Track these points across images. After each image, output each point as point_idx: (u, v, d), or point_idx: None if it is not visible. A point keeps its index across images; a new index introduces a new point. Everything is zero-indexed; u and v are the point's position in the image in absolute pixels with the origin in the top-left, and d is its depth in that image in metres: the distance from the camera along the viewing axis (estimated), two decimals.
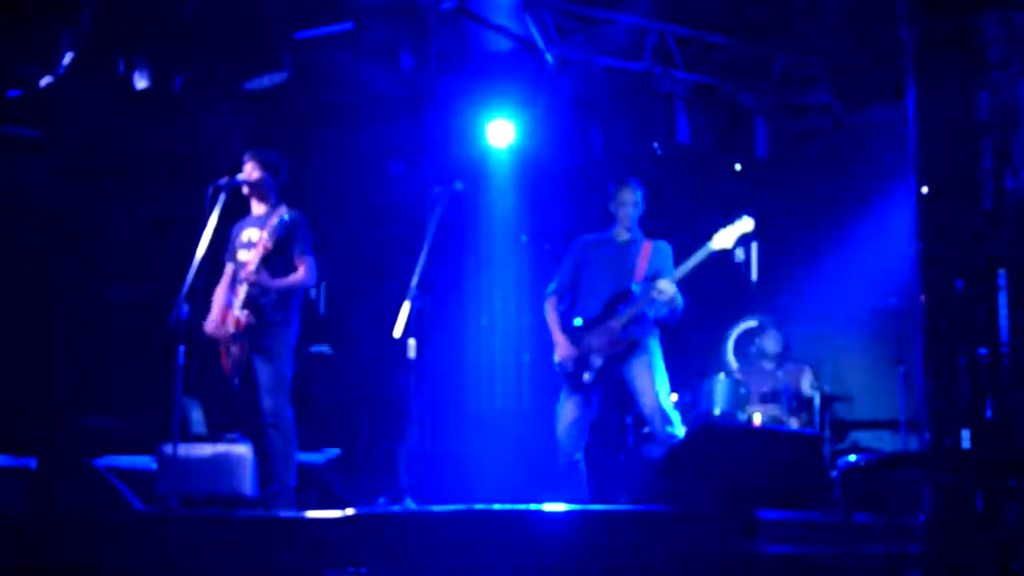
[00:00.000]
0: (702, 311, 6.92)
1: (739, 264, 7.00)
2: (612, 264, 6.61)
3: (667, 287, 6.37)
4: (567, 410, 6.51)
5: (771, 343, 8.32)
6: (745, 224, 6.47)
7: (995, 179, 4.03)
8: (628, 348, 6.44)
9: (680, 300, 6.45)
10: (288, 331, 6.24)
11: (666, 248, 6.66)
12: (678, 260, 6.53)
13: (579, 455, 6.48)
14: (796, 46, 7.94)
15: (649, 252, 6.59)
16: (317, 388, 8.66)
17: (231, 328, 6.15)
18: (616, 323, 6.45)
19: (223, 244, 6.46)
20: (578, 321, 6.59)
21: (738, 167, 8.78)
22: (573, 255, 6.79)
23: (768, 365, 8.18)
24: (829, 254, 8.67)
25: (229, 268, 6.40)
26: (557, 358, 6.61)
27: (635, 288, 6.50)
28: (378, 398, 9.23)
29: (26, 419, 8.44)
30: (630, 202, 6.64)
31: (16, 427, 8.05)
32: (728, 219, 6.51)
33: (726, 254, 6.49)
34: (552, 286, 6.79)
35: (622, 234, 6.68)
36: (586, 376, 6.46)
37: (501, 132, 9.00)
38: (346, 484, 7.96)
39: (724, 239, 6.46)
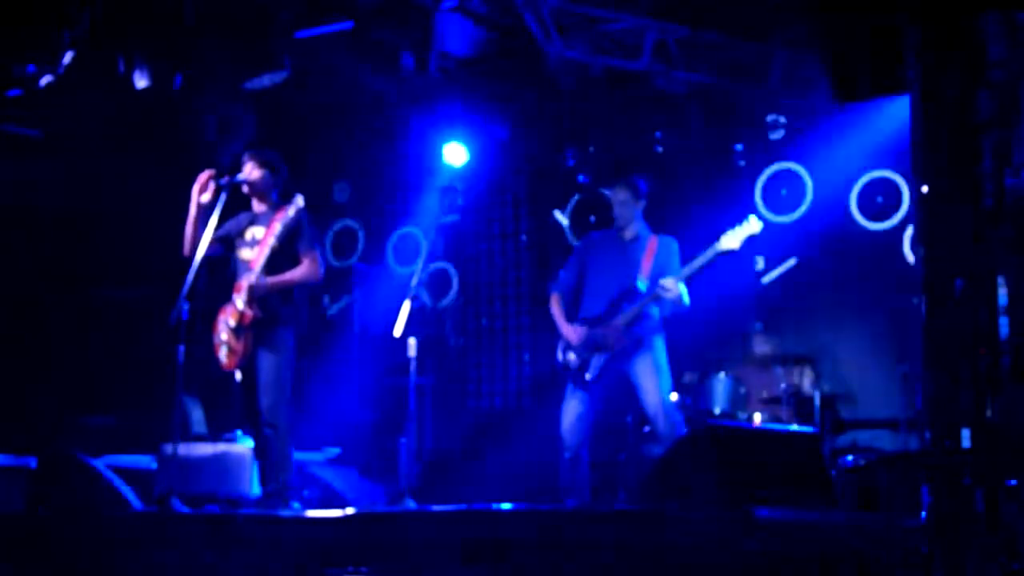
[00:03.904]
0: (704, 312, 6.90)
1: (742, 265, 7.03)
2: (617, 261, 6.60)
3: (672, 285, 6.35)
4: (571, 407, 6.51)
5: (761, 347, 8.32)
6: (752, 225, 6.45)
7: (995, 179, 4.03)
8: (633, 346, 6.43)
9: (686, 299, 6.42)
10: (293, 328, 6.22)
11: (672, 244, 6.64)
12: (684, 260, 6.53)
13: (583, 451, 6.49)
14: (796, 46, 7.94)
15: (655, 249, 6.57)
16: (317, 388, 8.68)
17: (233, 323, 6.14)
18: (621, 320, 6.44)
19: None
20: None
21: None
22: (578, 252, 6.79)
23: (767, 365, 8.18)
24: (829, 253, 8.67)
25: (215, 246, 6.31)
26: (564, 351, 6.59)
27: (640, 286, 6.49)
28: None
29: (26, 419, 8.45)
30: (627, 201, 6.63)
31: (16, 427, 8.06)
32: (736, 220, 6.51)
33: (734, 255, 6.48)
34: (557, 283, 6.79)
35: (627, 232, 6.67)
36: (589, 373, 6.46)
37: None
38: (346, 484, 7.96)
39: (731, 240, 6.44)
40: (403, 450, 7.93)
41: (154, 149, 8.86)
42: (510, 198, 10.00)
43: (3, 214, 9.06)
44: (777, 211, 8.65)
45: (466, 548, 4.69)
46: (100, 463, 6.54)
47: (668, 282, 6.36)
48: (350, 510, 5.33)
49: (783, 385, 7.87)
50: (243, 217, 6.40)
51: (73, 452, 6.53)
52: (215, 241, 6.27)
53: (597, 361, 6.46)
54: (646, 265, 6.53)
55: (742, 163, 8.84)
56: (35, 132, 8.80)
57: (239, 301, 6.12)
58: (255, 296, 6.09)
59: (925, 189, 4.08)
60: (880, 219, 8.40)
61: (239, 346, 6.11)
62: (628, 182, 6.68)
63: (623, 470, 7.82)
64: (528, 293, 9.77)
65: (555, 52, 7.91)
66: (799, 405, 7.91)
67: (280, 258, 6.16)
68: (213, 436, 7.66)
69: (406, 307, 6.31)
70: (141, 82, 7.25)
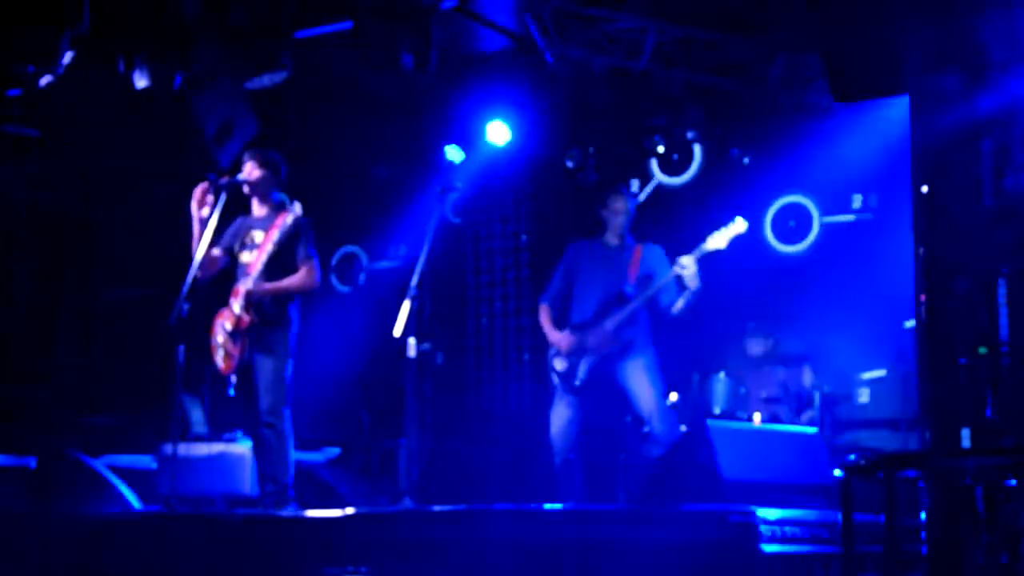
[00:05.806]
0: (703, 311, 6.90)
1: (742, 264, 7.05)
2: (604, 269, 6.64)
3: (689, 263, 6.34)
4: (560, 412, 6.55)
5: (755, 347, 8.32)
6: (738, 226, 6.49)
7: (995, 179, 4.04)
8: (621, 349, 6.45)
9: (699, 282, 6.39)
10: (289, 331, 6.23)
11: (657, 250, 6.69)
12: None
13: (573, 455, 6.50)
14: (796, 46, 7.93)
15: (640, 256, 6.62)
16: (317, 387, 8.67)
17: (229, 327, 6.14)
18: (610, 324, 6.46)
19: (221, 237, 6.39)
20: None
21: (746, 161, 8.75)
22: (565, 262, 6.83)
23: (767, 365, 8.17)
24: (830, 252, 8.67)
25: (217, 251, 6.30)
26: (553, 356, 6.62)
27: (628, 289, 6.52)
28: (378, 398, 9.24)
29: (26, 419, 8.45)
30: (622, 211, 6.68)
31: (16, 427, 8.06)
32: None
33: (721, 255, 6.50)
34: (545, 293, 6.83)
35: (612, 239, 6.71)
36: (578, 378, 6.48)
37: (499, 132, 8.99)
38: (346, 484, 7.96)
39: (718, 240, 6.47)
40: (403, 450, 7.92)
41: (154, 149, 8.86)
42: (510, 198, 10.00)
43: (2, 214, 9.06)
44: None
45: (466, 548, 4.69)
46: (100, 463, 6.55)
47: (686, 260, 6.36)
48: (350, 510, 5.33)
49: (783, 385, 7.86)
50: (241, 223, 6.40)
51: (73, 452, 6.53)
52: (223, 254, 6.29)
53: (585, 365, 6.48)
54: (632, 271, 6.57)
55: (746, 160, 8.83)
56: (35, 132, 8.79)
57: (236, 306, 6.13)
58: (252, 301, 6.10)
59: (925, 189, 4.09)
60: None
61: (235, 350, 6.12)
62: (626, 193, 6.75)
63: (622, 471, 7.82)
64: (528, 293, 9.76)
65: (555, 52, 7.91)
66: (799, 405, 7.91)
67: (278, 264, 6.17)
68: (213, 436, 7.66)
69: (406, 307, 6.31)
70: (141, 82, 7.24)
